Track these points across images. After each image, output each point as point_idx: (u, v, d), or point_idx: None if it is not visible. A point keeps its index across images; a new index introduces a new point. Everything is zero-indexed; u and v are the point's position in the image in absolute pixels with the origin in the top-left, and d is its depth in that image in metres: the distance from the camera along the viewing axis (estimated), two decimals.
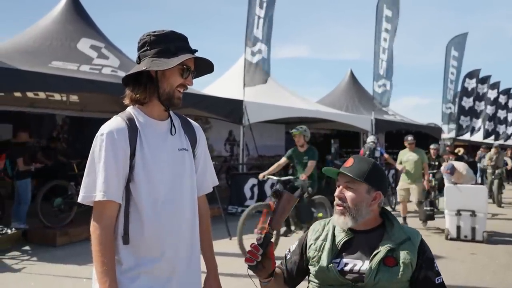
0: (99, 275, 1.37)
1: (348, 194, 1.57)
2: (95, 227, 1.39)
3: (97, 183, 1.39)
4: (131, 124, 1.45)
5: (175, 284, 1.48)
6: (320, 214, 5.64)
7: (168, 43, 1.45)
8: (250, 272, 1.54)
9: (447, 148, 11.61)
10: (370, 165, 1.59)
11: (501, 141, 22.50)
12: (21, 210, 6.04)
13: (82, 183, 1.42)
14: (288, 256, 1.71)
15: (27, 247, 5.52)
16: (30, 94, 7.70)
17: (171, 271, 1.47)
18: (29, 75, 5.39)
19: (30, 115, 8.94)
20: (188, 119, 1.65)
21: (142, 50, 1.48)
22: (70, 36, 6.92)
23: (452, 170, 6.66)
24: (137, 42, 1.51)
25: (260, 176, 5.62)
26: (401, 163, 7.39)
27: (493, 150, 11.49)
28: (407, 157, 7.32)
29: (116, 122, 1.45)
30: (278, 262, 1.67)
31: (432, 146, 9.39)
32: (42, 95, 7.85)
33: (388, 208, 9.21)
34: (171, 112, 1.56)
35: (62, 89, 6.47)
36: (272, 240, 1.52)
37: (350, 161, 1.61)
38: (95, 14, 14.48)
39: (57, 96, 8.15)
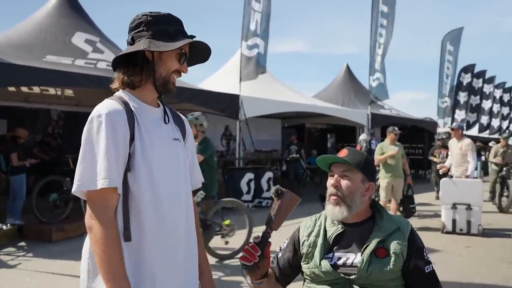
0: (111, 277, 1.21)
1: (344, 182, 1.58)
2: (98, 221, 1.23)
3: (97, 169, 1.23)
4: (127, 107, 1.33)
5: (177, 284, 1.38)
6: (227, 222, 4.84)
7: (166, 25, 1.37)
8: (244, 272, 1.52)
9: (439, 142, 10.29)
10: (364, 156, 1.64)
11: (496, 135, 22.64)
12: (16, 205, 6.01)
13: (77, 170, 1.26)
14: (280, 254, 1.70)
15: (22, 243, 5.49)
16: (24, 89, 7.64)
17: (174, 269, 1.37)
18: (23, 69, 5.34)
19: (25, 110, 8.87)
20: (176, 111, 1.58)
21: (137, 30, 1.37)
22: (65, 30, 6.86)
23: (462, 127, 6.75)
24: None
25: None
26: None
27: (499, 144, 9.36)
28: (389, 151, 6.52)
29: (112, 104, 1.32)
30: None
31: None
32: (36, 89, 7.78)
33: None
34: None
35: (57, 83, 6.42)
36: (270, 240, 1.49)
37: (344, 152, 1.63)
38: (90, 8, 14.37)
39: (51, 91, 8.09)
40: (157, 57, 1.37)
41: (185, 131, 1.54)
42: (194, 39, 1.39)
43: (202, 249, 1.56)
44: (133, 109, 1.34)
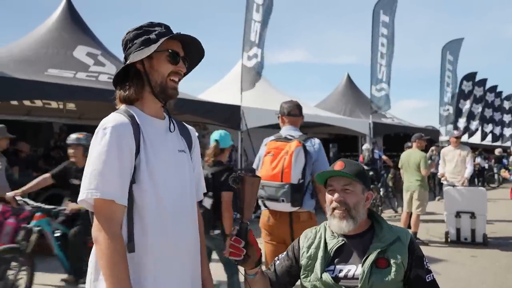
0: None
1: (348, 196, 1.57)
2: (104, 234, 1.23)
3: (99, 182, 1.25)
4: (133, 120, 1.34)
5: None
6: None
7: (147, 34, 1.38)
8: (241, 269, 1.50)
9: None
10: (360, 166, 1.62)
11: (498, 143, 22.58)
12: None
13: (82, 182, 1.28)
14: (278, 262, 1.68)
15: None
16: (26, 102, 7.67)
17: (178, 281, 1.37)
18: (25, 83, 5.37)
19: (27, 124, 8.90)
20: (183, 122, 1.58)
21: (126, 49, 1.41)
22: (66, 44, 6.90)
23: (460, 134, 7.00)
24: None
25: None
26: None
27: None
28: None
29: (117, 117, 1.33)
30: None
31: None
32: (38, 103, 7.82)
33: (392, 212, 9.12)
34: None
35: (59, 97, 6.44)
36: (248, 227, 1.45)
37: (341, 164, 1.60)
38: (92, 21, 14.48)
39: (53, 104, 8.12)
40: (148, 66, 1.38)
41: (191, 142, 1.54)
42: (174, 34, 1.37)
43: (206, 263, 1.55)
44: (138, 121, 1.35)
